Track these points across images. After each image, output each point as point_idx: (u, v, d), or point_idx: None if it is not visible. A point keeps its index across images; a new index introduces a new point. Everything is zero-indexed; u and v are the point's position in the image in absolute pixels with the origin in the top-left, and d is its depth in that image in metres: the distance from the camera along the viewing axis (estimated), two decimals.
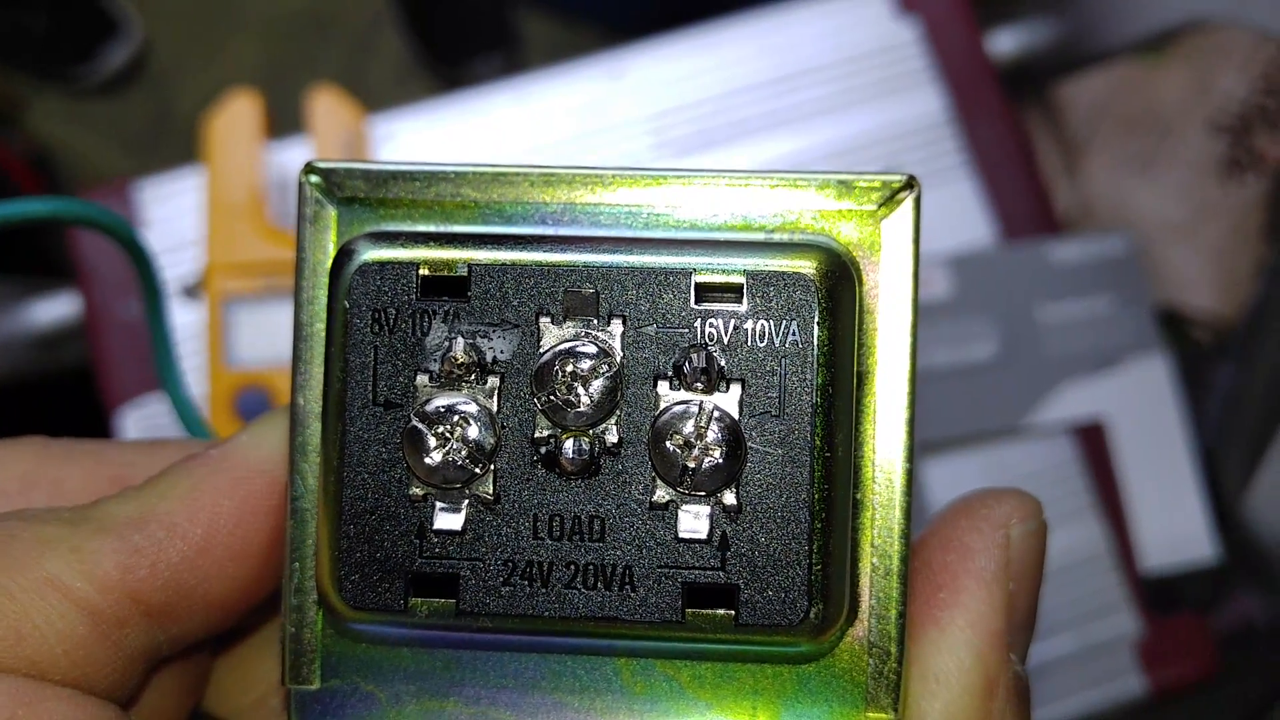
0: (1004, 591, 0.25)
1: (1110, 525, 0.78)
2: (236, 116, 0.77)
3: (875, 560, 0.25)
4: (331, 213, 0.26)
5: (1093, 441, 0.79)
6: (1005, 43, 0.88)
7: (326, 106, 0.78)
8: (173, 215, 0.79)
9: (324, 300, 0.25)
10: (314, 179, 0.26)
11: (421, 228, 0.25)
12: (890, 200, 0.25)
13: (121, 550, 0.23)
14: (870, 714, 0.25)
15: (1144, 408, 0.79)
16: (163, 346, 0.33)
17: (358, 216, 0.26)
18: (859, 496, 0.25)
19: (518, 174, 0.25)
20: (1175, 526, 0.78)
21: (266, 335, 0.75)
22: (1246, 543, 0.80)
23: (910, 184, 0.25)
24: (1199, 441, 0.80)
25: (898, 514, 0.25)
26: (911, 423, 0.25)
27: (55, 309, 0.83)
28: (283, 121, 0.81)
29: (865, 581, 0.25)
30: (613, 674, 0.25)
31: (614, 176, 0.26)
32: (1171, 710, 0.85)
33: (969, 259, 0.79)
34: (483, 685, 0.25)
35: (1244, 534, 0.80)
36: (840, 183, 0.25)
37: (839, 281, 0.24)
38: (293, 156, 0.80)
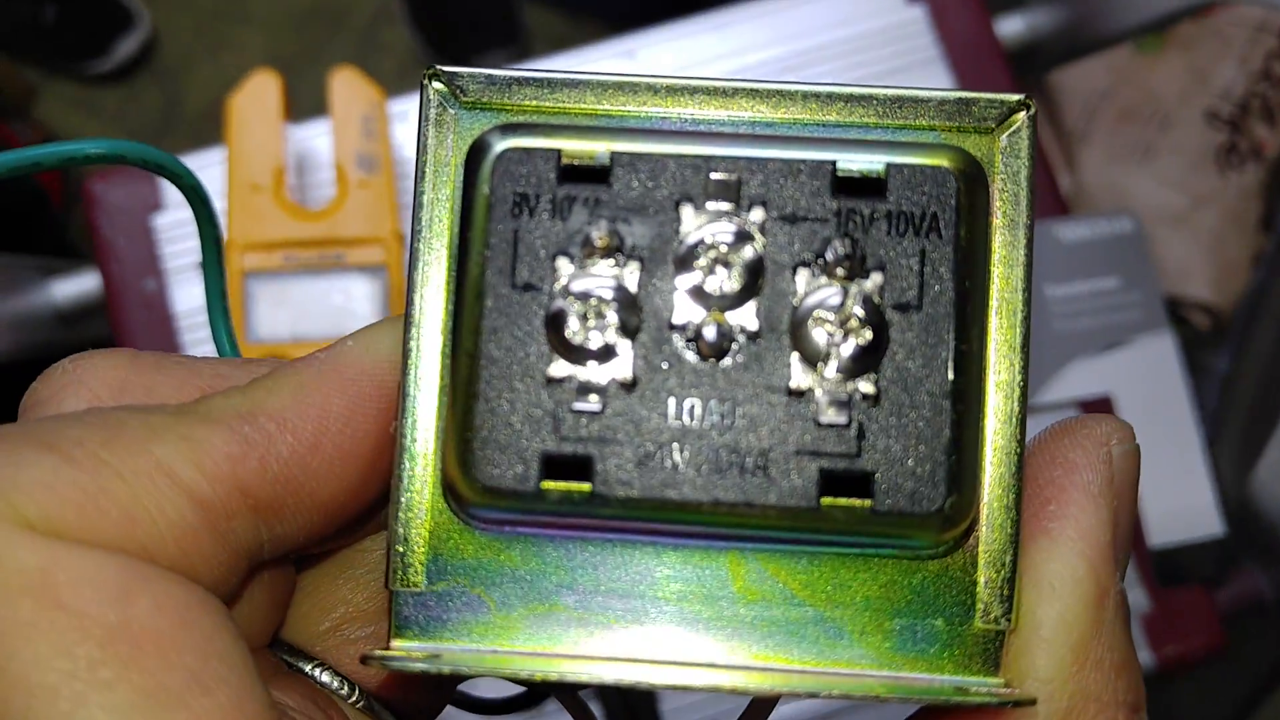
0: (1110, 506, 0.25)
1: None
2: (258, 95, 0.78)
3: (991, 469, 0.24)
4: (453, 115, 0.25)
5: None
6: (1013, 27, 0.89)
7: (346, 86, 0.79)
8: None
9: (445, 199, 0.25)
10: (437, 84, 0.25)
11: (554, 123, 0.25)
12: (1007, 120, 0.25)
13: (231, 441, 0.23)
14: (981, 624, 0.24)
15: (1152, 385, 0.80)
16: (214, 289, 0.33)
17: (479, 121, 0.25)
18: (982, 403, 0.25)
19: (642, 83, 0.25)
20: (1182, 502, 0.78)
21: (286, 311, 0.76)
22: (1253, 518, 0.81)
23: (1026, 103, 0.25)
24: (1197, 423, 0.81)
25: (1014, 425, 0.24)
26: (1027, 338, 0.25)
27: (76, 286, 0.84)
28: (292, 111, 0.81)
29: (983, 490, 0.24)
30: (727, 579, 0.24)
31: (737, 88, 0.25)
32: (1177, 684, 0.86)
33: None
34: (592, 590, 0.24)
35: (1249, 510, 0.81)
36: (960, 100, 0.25)
37: (975, 181, 0.24)
38: (311, 135, 0.81)
